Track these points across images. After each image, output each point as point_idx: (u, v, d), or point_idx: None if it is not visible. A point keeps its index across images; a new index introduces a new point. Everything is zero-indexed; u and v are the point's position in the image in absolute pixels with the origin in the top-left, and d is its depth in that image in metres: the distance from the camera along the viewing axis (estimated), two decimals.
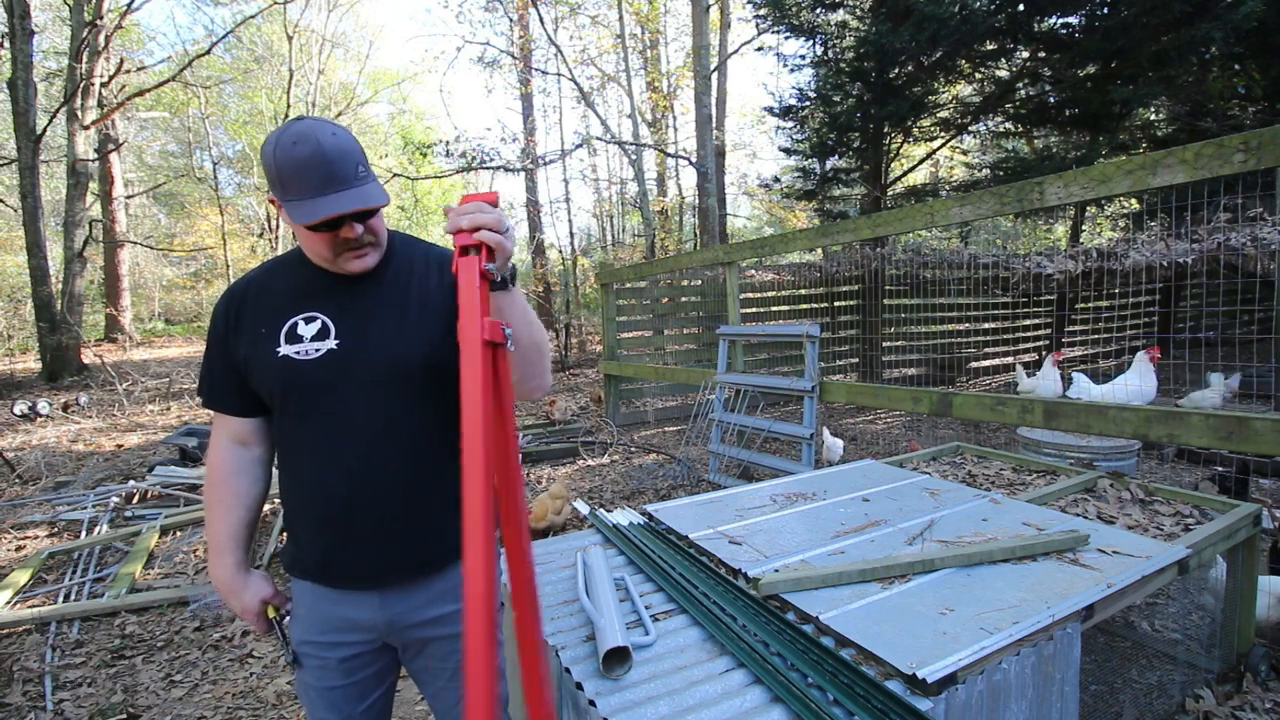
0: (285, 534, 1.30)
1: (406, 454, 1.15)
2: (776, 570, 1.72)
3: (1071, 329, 9.21)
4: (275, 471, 1.26)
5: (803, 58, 8.92)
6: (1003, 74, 8.22)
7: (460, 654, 1.23)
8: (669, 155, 16.09)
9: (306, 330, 1.13)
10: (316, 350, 1.12)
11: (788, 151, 9.96)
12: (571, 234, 18.25)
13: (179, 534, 4.09)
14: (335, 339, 1.13)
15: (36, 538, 4.16)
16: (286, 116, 18.48)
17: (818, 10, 8.26)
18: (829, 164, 9.07)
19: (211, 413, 1.23)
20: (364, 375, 1.12)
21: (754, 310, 7.69)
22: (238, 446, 1.22)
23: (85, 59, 10.88)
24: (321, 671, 1.22)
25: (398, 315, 1.16)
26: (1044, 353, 8.84)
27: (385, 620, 1.20)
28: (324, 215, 1.02)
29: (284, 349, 1.12)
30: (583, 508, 2.44)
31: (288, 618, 1.27)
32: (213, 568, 1.23)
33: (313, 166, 1.01)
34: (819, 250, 10.02)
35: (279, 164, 1.02)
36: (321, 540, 1.17)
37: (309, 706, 1.26)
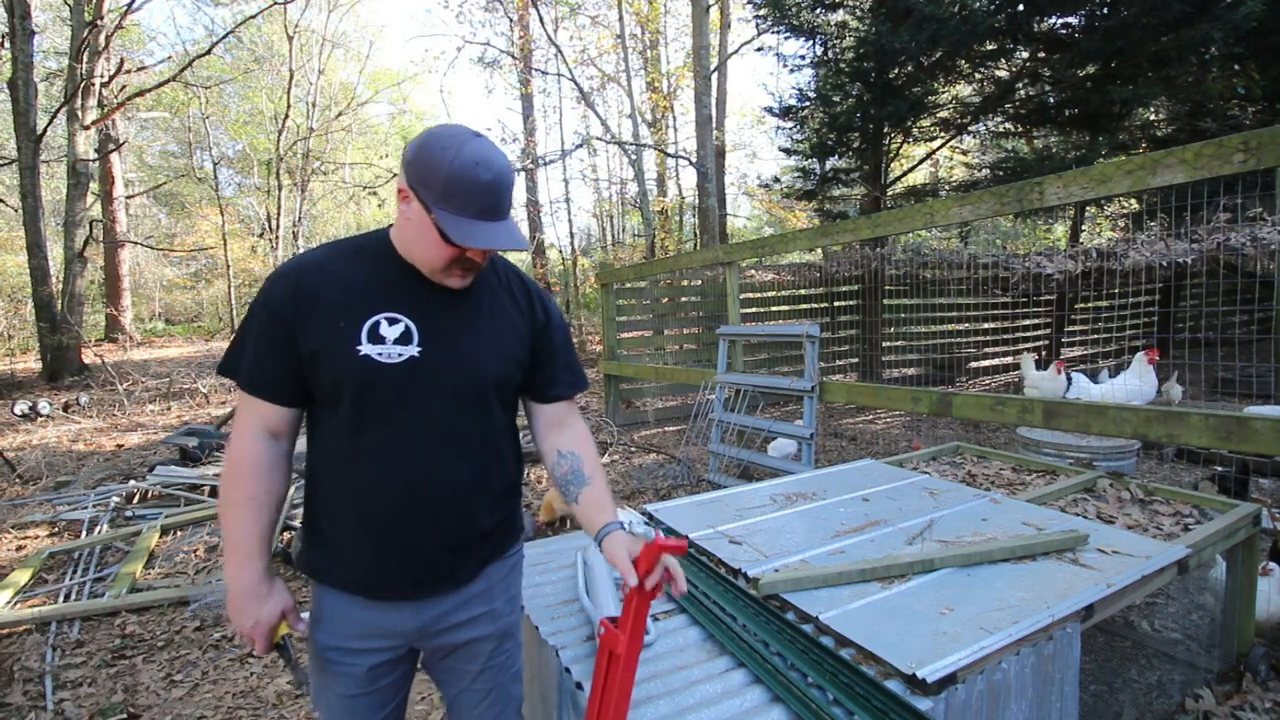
0: (298, 534, 1.24)
1: (467, 466, 1.15)
2: (776, 570, 1.72)
3: (1071, 329, 9.22)
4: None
5: (803, 58, 8.92)
6: (1003, 74, 8.23)
7: (486, 656, 1.24)
8: (669, 155, 16.09)
9: (389, 332, 1.09)
10: (399, 355, 1.09)
11: (788, 151, 9.96)
12: (571, 234, 18.25)
13: (179, 534, 4.09)
14: (418, 346, 1.10)
15: (37, 538, 4.16)
16: (287, 117, 18.48)
17: (818, 10, 8.26)
18: (829, 164, 9.07)
19: (242, 398, 1.11)
20: (441, 386, 1.12)
21: (754, 310, 7.69)
22: (269, 439, 1.11)
23: (85, 59, 10.86)
24: (347, 679, 1.16)
25: (479, 329, 1.17)
26: (1044, 353, 8.85)
27: (417, 626, 1.17)
28: (484, 246, 1.03)
29: (365, 348, 1.07)
30: None
31: (297, 629, 1.17)
32: (238, 572, 1.09)
33: (487, 194, 1.02)
34: (819, 250, 10.03)
35: (455, 177, 1.00)
36: (367, 548, 1.12)
37: (326, 715, 1.20)
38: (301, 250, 19.51)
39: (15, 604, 3.24)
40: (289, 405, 1.12)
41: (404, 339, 1.09)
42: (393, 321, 1.09)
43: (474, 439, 1.16)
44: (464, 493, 1.15)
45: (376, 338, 1.08)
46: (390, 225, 1.17)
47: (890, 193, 8.89)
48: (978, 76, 8.39)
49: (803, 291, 7.99)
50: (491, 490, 1.20)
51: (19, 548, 4.01)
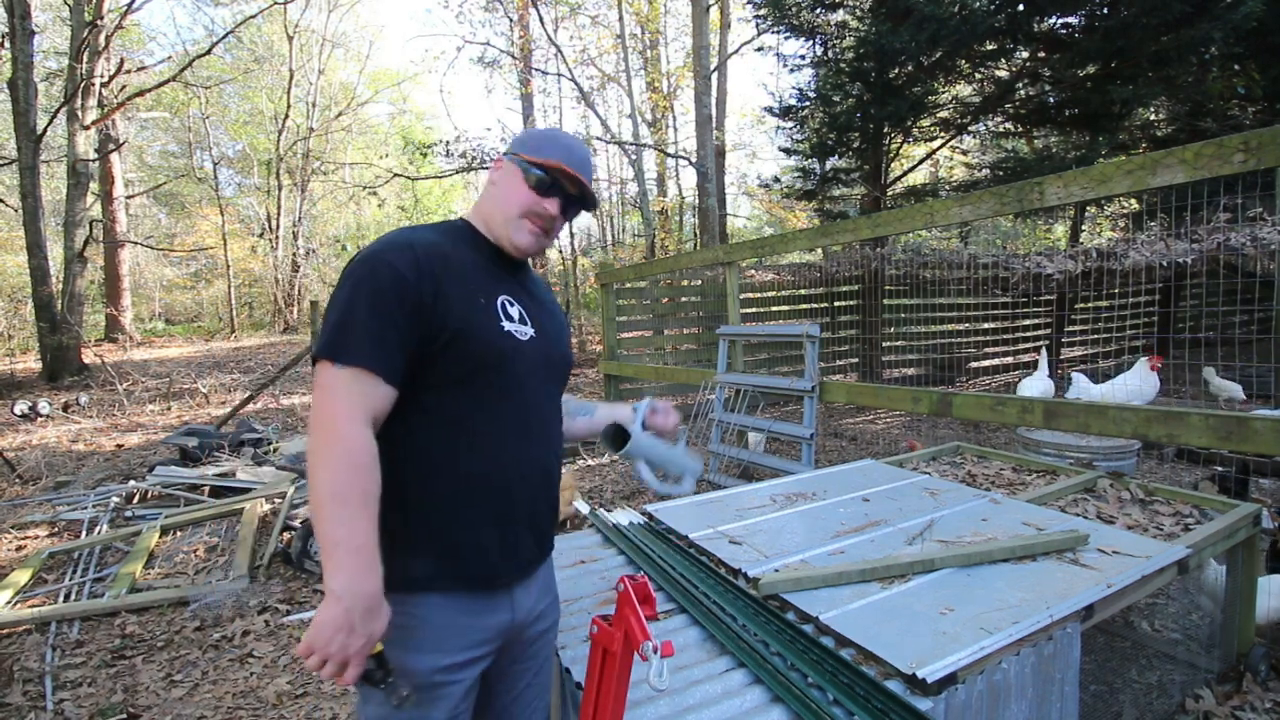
0: (395, 546, 1.03)
1: (557, 444, 1.26)
2: (777, 570, 1.72)
3: (1071, 329, 9.21)
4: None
5: (803, 58, 8.92)
6: (1003, 74, 8.23)
7: (544, 651, 1.27)
8: (669, 155, 16.09)
9: (513, 312, 1.14)
10: (526, 333, 1.14)
11: (788, 151, 9.96)
12: (571, 234, 18.24)
13: (179, 534, 4.09)
14: (530, 327, 1.16)
15: (37, 538, 4.16)
16: (287, 117, 18.49)
17: (818, 10, 8.26)
18: (829, 164, 9.07)
19: (345, 378, 0.97)
20: (550, 366, 1.21)
21: (754, 310, 7.69)
22: (372, 426, 0.99)
23: (85, 59, 10.87)
24: (451, 700, 1.06)
25: (556, 318, 1.28)
26: (1044, 352, 8.84)
27: (512, 621, 1.15)
28: (560, 162, 1.14)
29: (506, 324, 1.11)
30: (583, 507, 2.44)
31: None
32: (360, 579, 0.92)
33: (580, 154, 1.18)
34: (819, 250, 10.03)
35: (553, 138, 1.17)
36: (494, 530, 1.10)
37: None
38: (301, 250, 19.55)
39: (15, 604, 3.24)
40: (397, 388, 1.02)
41: (522, 319, 1.16)
42: (511, 303, 1.15)
43: (559, 419, 1.28)
44: (557, 471, 1.26)
45: (507, 316, 1.13)
46: (460, 217, 1.23)
47: (890, 193, 8.89)
48: (978, 76, 8.39)
49: (803, 291, 7.99)
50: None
51: (19, 548, 4.01)
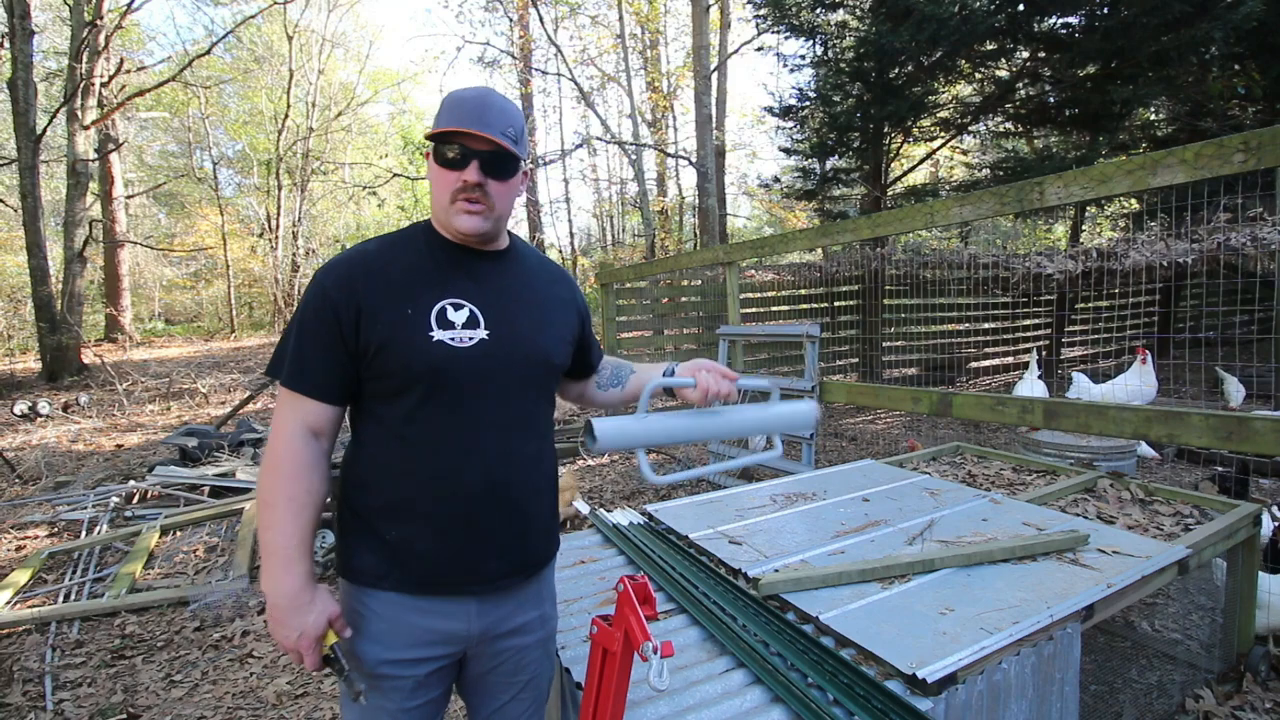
0: (348, 539, 1.14)
1: (533, 451, 1.16)
2: (776, 570, 1.72)
3: (1072, 329, 9.22)
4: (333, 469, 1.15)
5: (803, 58, 8.92)
6: (1003, 74, 8.23)
7: (531, 667, 1.22)
8: (669, 155, 16.10)
9: (456, 317, 1.09)
10: (470, 338, 1.08)
11: (788, 151, 9.96)
12: (571, 234, 18.29)
13: (179, 534, 4.09)
14: (485, 329, 1.10)
15: (36, 538, 4.16)
16: (287, 117, 18.49)
17: (818, 10, 8.26)
18: (829, 164, 9.07)
19: (283, 396, 1.08)
20: (510, 367, 1.12)
21: (754, 310, 7.69)
22: (311, 437, 1.07)
23: (85, 59, 10.87)
24: (400, 693, 1.11)
25: (537, 312, 1.18)
26: (1042, 352, 8.85)
27: (479, 630, 1.13)
28: (452, 125, 1.04)
29: (438, 333, 1.06)
30: (583, 507, 2.45)
31: (345, 635, 1.11)
32: (277, 578, 1.03)
33: (473, 104, 1.06)
34: (819, 250, 10.03)
35: (447, 100, 1.09)
36: (442, 540, 1.09)
37: None
38: (301, 250, 19.56)
39: (15, 604, 3.24)
40: (334, 403, 1.08)
41: (471, 323, 1.09)
42: (457, 307, 1.09)
43: (538, 420, 1.18)
44: (530, 481, 1.16)
45: (445, 323, 1.08)
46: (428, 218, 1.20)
47: (890, 193, 8.89)
48: (978, 76, 8.39)
49: (803, 291, 7.99)
50: (548, 473, 1.21)
51: (19, 548, 4.01)
